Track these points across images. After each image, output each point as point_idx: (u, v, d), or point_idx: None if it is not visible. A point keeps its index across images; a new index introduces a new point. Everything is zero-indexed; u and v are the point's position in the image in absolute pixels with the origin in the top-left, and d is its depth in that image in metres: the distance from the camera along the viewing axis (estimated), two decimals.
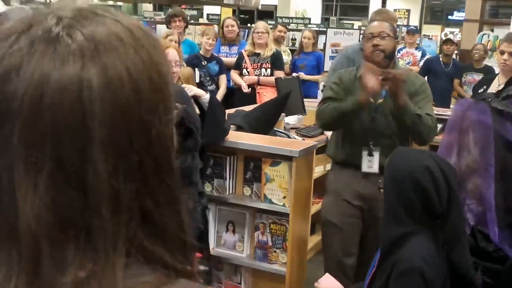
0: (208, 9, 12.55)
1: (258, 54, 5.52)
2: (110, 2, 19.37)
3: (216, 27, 7.51)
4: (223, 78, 5.65)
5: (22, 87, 0.54)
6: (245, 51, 5.61)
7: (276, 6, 18.63)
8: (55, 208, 0.55)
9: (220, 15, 10.82)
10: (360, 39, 5.89)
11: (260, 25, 5.64)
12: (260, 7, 20.03)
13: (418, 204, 1.84)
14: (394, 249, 1.85)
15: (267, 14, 20.86)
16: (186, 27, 6.18)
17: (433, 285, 1.78)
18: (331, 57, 6.34)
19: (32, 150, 0.54)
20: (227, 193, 3.27)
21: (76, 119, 0.54)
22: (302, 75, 6.65)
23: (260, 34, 5.46)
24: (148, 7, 22.09)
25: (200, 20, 9.66)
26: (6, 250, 0.56)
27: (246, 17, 16.50)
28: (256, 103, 4.95)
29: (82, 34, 0.57)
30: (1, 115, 0.55)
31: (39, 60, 0.55)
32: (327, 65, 6.38)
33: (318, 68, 6.95)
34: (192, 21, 9.29)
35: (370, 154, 3.04)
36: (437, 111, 4.82)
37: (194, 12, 9.84)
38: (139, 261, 0.60)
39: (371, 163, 3.05)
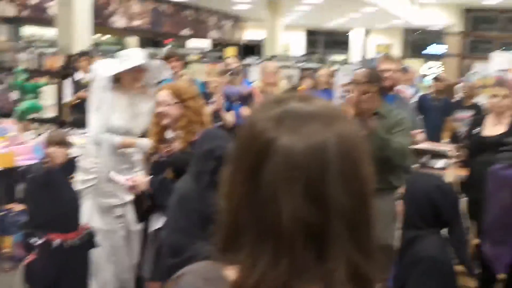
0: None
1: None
2: None
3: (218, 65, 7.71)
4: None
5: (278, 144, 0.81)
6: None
7: (261, 41, 18.97)
8: (303, 216, 0.78)
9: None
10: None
11: (270, 65, 5.95)
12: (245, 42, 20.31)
13: (430, 213, 2.36)
14: (409, 246, 2.32)
15: (252, 49, 21.07)
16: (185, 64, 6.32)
17: (442, 268, 2.25)
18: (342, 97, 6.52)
19: (290, 179, 0.79)
20: None
21: (318, 165, 0.80)
22: None
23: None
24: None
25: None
26: (268, 243, 0.79)
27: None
28: None
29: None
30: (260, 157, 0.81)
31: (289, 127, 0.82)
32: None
33: None
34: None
35: None
36: (430, 145, 5.14)
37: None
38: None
39: None
